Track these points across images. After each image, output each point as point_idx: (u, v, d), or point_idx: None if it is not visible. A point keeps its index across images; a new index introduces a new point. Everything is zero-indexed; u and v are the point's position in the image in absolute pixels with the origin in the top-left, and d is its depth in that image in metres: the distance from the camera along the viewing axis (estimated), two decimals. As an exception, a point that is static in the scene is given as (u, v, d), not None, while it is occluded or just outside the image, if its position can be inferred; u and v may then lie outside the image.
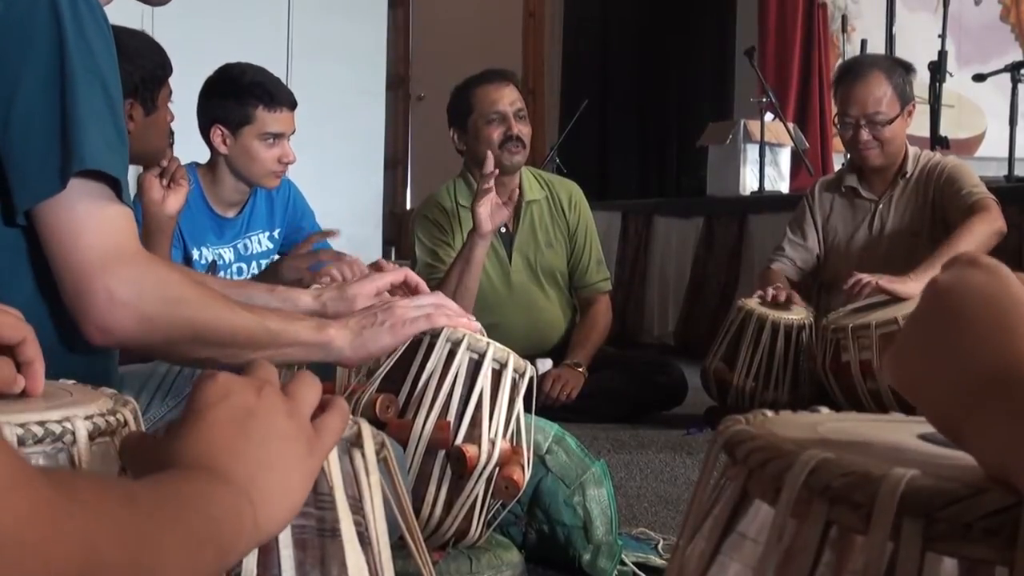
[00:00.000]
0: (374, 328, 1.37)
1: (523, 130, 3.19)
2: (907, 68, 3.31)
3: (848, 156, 3.49)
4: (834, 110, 3.43)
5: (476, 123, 3.19)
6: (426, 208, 3.32)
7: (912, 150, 3.28)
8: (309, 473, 0.65)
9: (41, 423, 0.64)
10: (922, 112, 4.96)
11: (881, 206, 3.28)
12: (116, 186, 1.16)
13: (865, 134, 3.17)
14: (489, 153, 3.00)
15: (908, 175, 3.24)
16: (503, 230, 3.26)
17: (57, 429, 0.65)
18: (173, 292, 1.21)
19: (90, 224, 1.15)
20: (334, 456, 0.69)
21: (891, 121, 3.16)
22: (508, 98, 3.21)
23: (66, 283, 1.15)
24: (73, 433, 0.66)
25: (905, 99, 3.20)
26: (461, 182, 3.32)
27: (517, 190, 3.24)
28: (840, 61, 6.54)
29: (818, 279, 3.43)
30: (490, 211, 2.92)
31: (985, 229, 2.97)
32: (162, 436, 0.63)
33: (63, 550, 0.43)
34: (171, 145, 2.51)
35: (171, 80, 2.44)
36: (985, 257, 0.50)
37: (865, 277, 2.84)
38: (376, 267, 2.18)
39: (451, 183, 3.34)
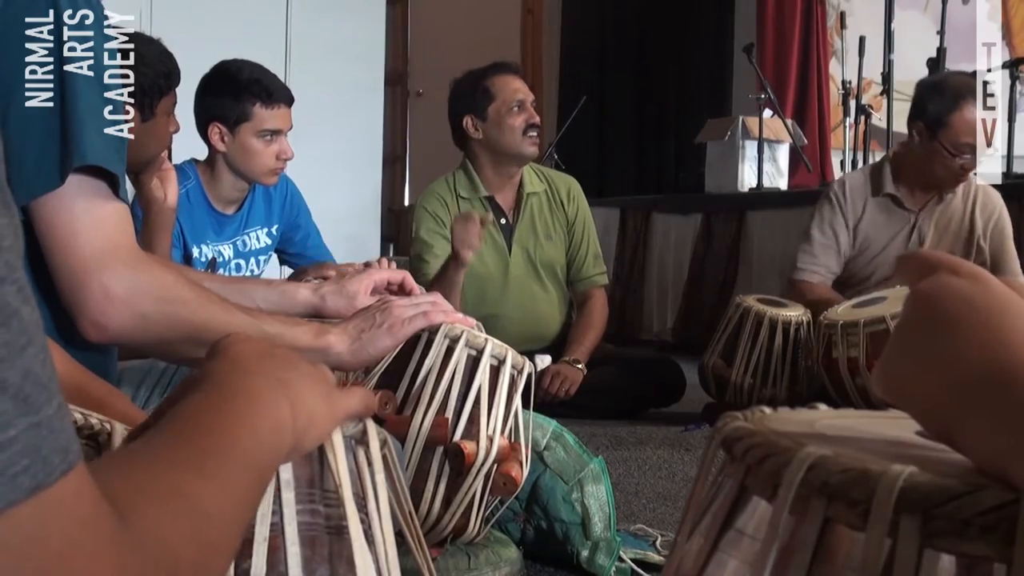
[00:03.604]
0: (372, 331, 1.36)
1: (538, 119, 3.28)
2: None
3: (883, 159, 3.36)
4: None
5: (499, 111, 3.24)
6: (426, 199, 3.35)
7: None
8: (333, 414, 0.67)
9: (84, 414, 0.67)
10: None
11: (921, 220, 3.23)
12: (114, 182, 1.16)
13: (975, 160, 3.09)
14: (475, 214, 2.98)
15: (953, 193, 3.20)
16: (503, 221, 3.30)
17: (96, 425, 0.67)
18: (169, 292, 1.21)
19: (87, 221, 1.15)
20: (341, 453, 0.69)
21: None
22: (524, 88, 3.29)
23: (63, 279, 1.16)
24: (110, 434, 0.67)
25: None
26: (461, 173, 3.35)
27: (519, 182, 3.29)
28: (831, 58, 6.56)
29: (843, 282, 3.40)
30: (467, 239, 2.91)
31: None
32: (176, 390, 0.65)
33: None
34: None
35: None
36: (966, 263, 0.50)
37: None
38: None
39: (451, 175, 3.37)
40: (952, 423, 0.46)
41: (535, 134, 3.24)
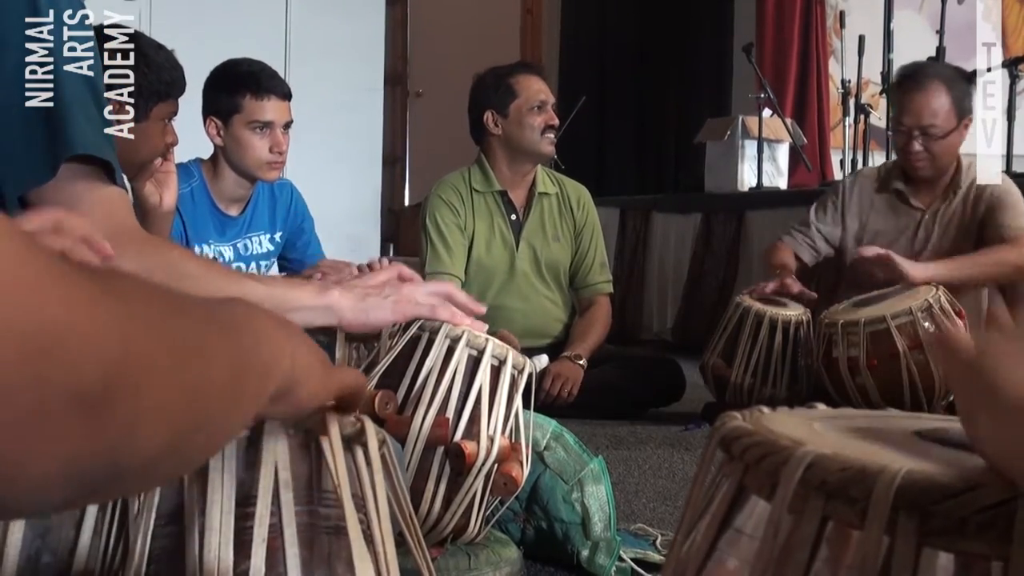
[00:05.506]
0: (377, 299, 1.38)
1: (557, 121, 3.35)
2: (969, 80, 3.18)
3: (895, 158, 3.37)
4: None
5: (520, 109, 3.29)
6: (441, 188, 3.38)
7: (965, 161, 3.17)
8: (329, 382, 0.65)
9: None
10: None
11: (927, 218, 3.20)
12: (108, 169, 1.16)
13: (917, 145, 3.07)
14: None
15: (960, 189, 3.17)
16: (513, 217, 3.35)
17: None
18: (177, 268, 1.21)
19: (88, 204, 1.14)
20: (339, 453, 0.69)
21: (946, 135, 3.06)
22: (547, 90, 3.35)
23: None
24: None
25: (962, 112, 3.09)
26: (476, 168, 3.39)
27: (532, 180, 3.37)
28: (830, 57, 6.56)
29: (843, 278, 3.39)
30: None
31: (1009, 259, 2.96)
32: None
33: (98, 344, 0.38)
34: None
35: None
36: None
37: (878, 250, 2.95)
38: (369, 268, 2.18)
39: (466, 170, 3.41)
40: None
41: (553, 135, 3.31)
